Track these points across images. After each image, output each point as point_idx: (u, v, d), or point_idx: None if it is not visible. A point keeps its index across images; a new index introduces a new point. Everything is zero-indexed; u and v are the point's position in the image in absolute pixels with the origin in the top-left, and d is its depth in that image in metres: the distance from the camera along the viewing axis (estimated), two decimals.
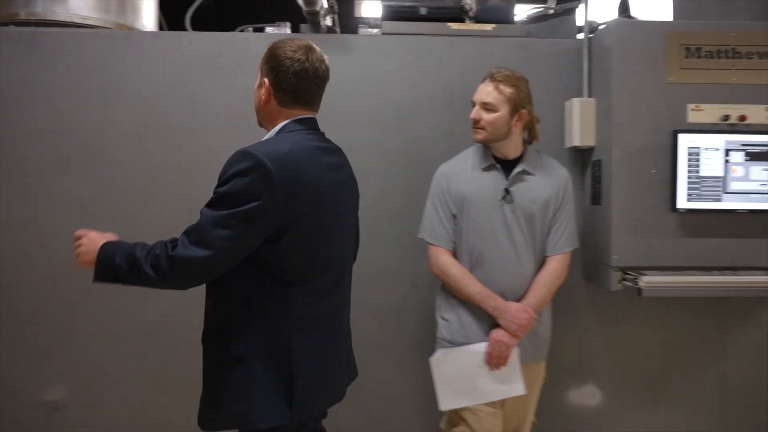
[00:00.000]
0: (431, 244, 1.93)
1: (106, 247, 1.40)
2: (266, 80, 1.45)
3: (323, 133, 1.53)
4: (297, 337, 1.35)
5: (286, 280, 1.34)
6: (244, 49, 2.24)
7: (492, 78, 1.85)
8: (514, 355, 1.83)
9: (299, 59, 1.41)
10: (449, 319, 1.92)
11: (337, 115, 2.24)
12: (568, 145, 2.26)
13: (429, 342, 2.19)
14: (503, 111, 1.83)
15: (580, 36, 2.34)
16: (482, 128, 1.85)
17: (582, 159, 2.31)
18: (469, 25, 2.39)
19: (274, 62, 1.43)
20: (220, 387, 1.34)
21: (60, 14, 2.35)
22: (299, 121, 1.45)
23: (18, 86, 2.20)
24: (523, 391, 1.84)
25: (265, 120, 1.52)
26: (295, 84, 1.41)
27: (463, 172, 1.91)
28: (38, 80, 2.21)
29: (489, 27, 2.37)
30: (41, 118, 2.21)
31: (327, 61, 1.49)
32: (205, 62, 2.24)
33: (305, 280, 1.37)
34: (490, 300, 1.83)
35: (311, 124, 1.48)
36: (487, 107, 1.84)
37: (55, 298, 2.22)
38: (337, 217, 1.45)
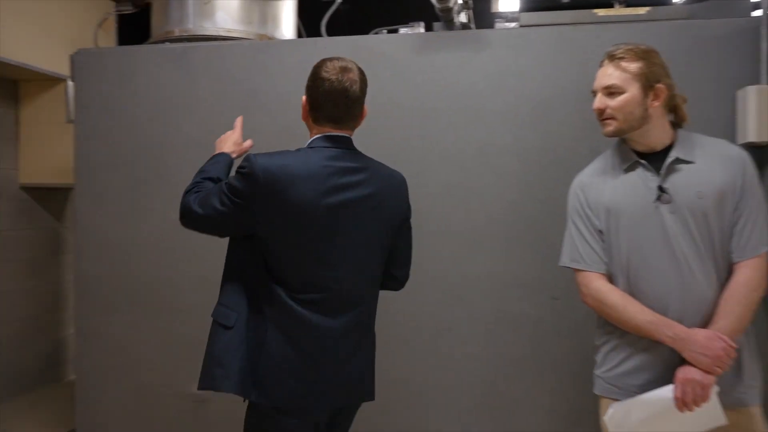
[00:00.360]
0: (579, 270, 1.57)
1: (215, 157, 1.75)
2: (304, 97, 1.57)
3: (355, 151, 1.55)
4: (272, 326, 1.46)
5: (273, 276, 1.47)
6: (377, 52, 2.22)
7: (611, 57, 1.53)
8: (713, 395, 1.41)
9: (330, 79, 1.49)
10: (613, 359, 1.54)
11: (469, 114, 2.13)
12: (741, 141, 1.95)
13: (569, 361, 2.02)
14: (632, 90, 1.48)
15: (757, 13, 2.01)
16: (610, 117, 1.52)
17: (760, 157, 1.98)
18: (618, 10, 2.16)
19: (310, 81, 1.54)
20: (211, 352, 1.52)
21: (208, 29, 2.50)
22: (328, 138, 1.52)
23: (171, 100, 2.37)
24: (724, 421, 1.43)
25: (309, 133, 1.59)
26: (324, 103, 1.50)
27: (601, 180, 1.57)
28: (187, 93, 2.36)
29: (642, 10, 2.12)
30: (190, 129, 2.36)
31: (360, 82, 1.54)
32: None
33: (288, 282, 1.46)
34: (667, 328, 1.42)
35: (340, 142, 1.52)
36: (611, 91, 1.51)
37: (204, 295, 2.35)
38: (332, 239, 1.47)
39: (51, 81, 3.53)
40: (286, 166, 1.45)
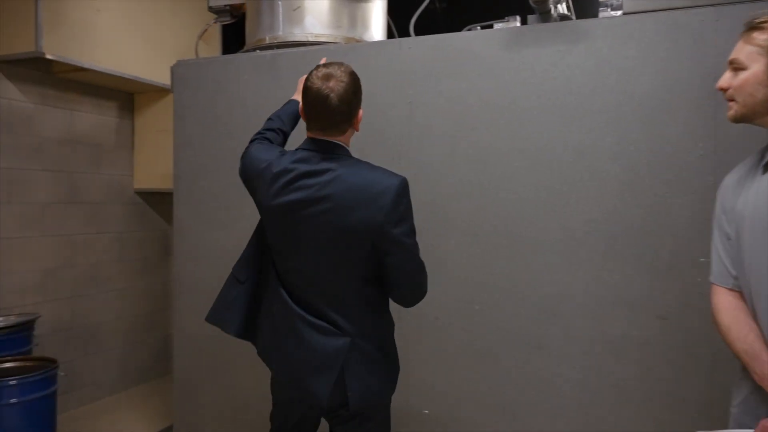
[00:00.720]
0: (712, 283, 1.35)
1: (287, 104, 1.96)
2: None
3: (331, 156, 1.54)
4: (267, 292, 1.65)
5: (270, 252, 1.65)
6: (466, 50, 2.10)
7: (746, 26, 1.27)
8: None
9: (312, 88, 1.50)
10: (738, 388, 1.33)
11: (565, 114, 1.95)
12: None
13: (680, 388, 1.79)
14: (756, 67, 1.22)
15: None
16: (731, 99, 1.28)
17: None
18: None
19: (302, 87, 1.57)
20: (225, 299, 1.73)
21: (297, 34, 2.50)
22: (310, 141, 1.57)
23: (262, 106, 2.40)
24: None
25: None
26: (309, 111, 1.54)
27: (740, 180, 1.31)
28: (276, 99, 2.37)
29: None
30: None
31: (344, 90, 1.50)
32: (424, 67, 2.15)
33: (276, 262, 1.62)
34: (758, 364, 1.21)
35: (317, 145, 1.55)
36: (735, 66, 1.27)
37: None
38: (289, 235, 1.55)
39: (161, 92, 3.74)
40: (258, 162, 1.64)
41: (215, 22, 3.00)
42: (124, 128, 3.83)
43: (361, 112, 1.61)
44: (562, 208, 1.96)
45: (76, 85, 3.45)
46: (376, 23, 2.67)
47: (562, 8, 2.22)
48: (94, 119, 3.61)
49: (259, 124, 2.39)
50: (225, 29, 3.93)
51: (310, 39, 2.48)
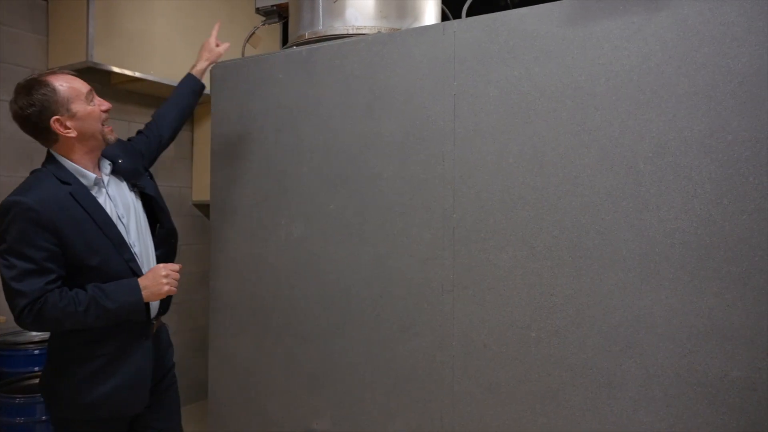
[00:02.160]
0: None
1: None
2: None
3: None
4: None
5: None
6: (519, 29, 1.78)
7: None
8: None
9: None
10: None
11: (641, 99, 1.59)
12: None
13: None
14: None
15: None
16: None
17: None
18: None
19: None
20: None
21: (338, 28, 2.28)
22: None
23: (296, 106, 2.20)
24: None
25: None
26: None
27: None
28: (311, 97, 2.17)
29: None
30: (313, 135, 2.15)
31: (14, 102, 1.69)
32: (471, 52, 1.86)
33: None
34: None
35: None
36: None
37: (324, 322, 2.12)
38: None
39: None
40: None
41: (264, 24, 2.86)
42: (184, 139, 3.79)
43: (59, 118, 1.67)
44: (640, 215, 1.59)
45: (135, 96, 3.44)
46: (429, 12, 2.40)
47: None
48: None
49: (295, 125, 2.20)
50: (285, 32, 3.80)
51: (351, 32, 2.25)
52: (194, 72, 2.26)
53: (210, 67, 2.33)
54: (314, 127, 2.16)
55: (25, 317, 1.60)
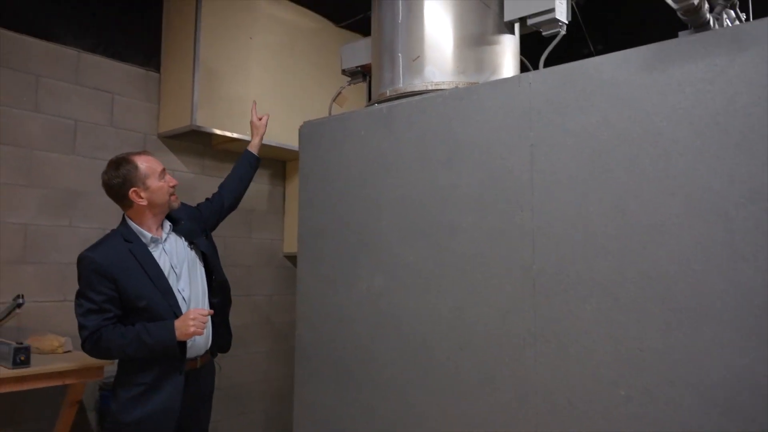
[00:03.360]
0: None
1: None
2: None
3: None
4: None
5: None
6: (595, 77, 1.77)
7: None
8: None
9: None
10: None
11: (730, 142, 1.52)
12: None
13: None
14: None
15: None
16: None
17: None
18: None
19: None
20: None
21: (417, 85, 2.37)
22: None
23: (377, 161, 2.28)
24: None
25: None
26: None
27: None
28: (391, 152, 2.24)
29: None
30: (393, 188, 2.22)
31: (105, 173, 2.25)
32: (548, 102, 1.86)
33: None
34: None
35: None
36: None
37: (401, 376, 2.12)
38: None
39: None
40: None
41: (349, 84, 3.01)
42: (276, 194, 4.00)
43: (136, 189, 2.20)
44: (734, 264, 1.49)
45: (232, 156, 3.70)
46: (507, 65, 2.44)
47: (728, 17, 1.81)
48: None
49: (375, 179, 2.27)
50: (370, 90, 3.98)
51: (430, 88, 2.33)
52: (250, 148, 2.81)
53: (261, 141, 2.85)
54: (393, 181, 2.22)
55: (86, 345, 2.11)
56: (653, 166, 1.64)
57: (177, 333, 2.12)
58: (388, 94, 2.44)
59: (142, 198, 2.20)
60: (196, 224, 2.49)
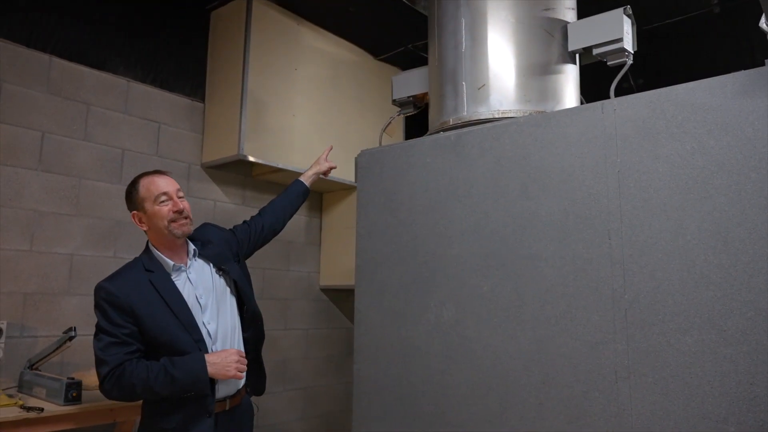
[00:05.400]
0: None
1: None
2: None
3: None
4: None
5: None
6: (686, 104, 1.74)
7: None
8: None
9: None
10: None
11: None
12: None
13: None
14: None
15: None
16: None
17: None
18: None
19: None
20: None
21: (482, 113, 2.35)
22: None
23: (447, 189, 2.24)
24: None
25: None
26: None
27: None
28: (461, 180, 2.20)
29: None
30: (464, 216, 2.17)
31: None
32: (635, 129, 1.83)
33: None
34: None
35: None
36: None
37: (480, 410, 2.02)
38: None
39: (347, 190, 3.83)
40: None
41: (399, 114, 3.00)
42: (313, 226, 3.95)
43: (136, 213, 2.01)
44: None
45: (273, 187, 3.67)
46: (569, 95, 2.43)
47: None
48: None
49: (445, 207, 2.23)
50: (408, 122, 3.99)
51: (497, 116, 2.30)
52: (303, 178, 2.65)
53: (316, 177, 2.70)
54: (464, 209, 2.17)
55: (107, 383, 1.84)
56: (758, 193, 1.59)
57: (211, 369, 1.89)
58: (451, 123, 2.42)
59: (142, 223, 2.01)
60: (227, 248, 2.23)
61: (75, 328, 2.36)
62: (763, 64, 1.67)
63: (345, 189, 3.83)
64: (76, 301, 2.78)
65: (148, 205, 1.98)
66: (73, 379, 2.27)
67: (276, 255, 3.64)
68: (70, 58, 2.88)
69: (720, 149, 1.67)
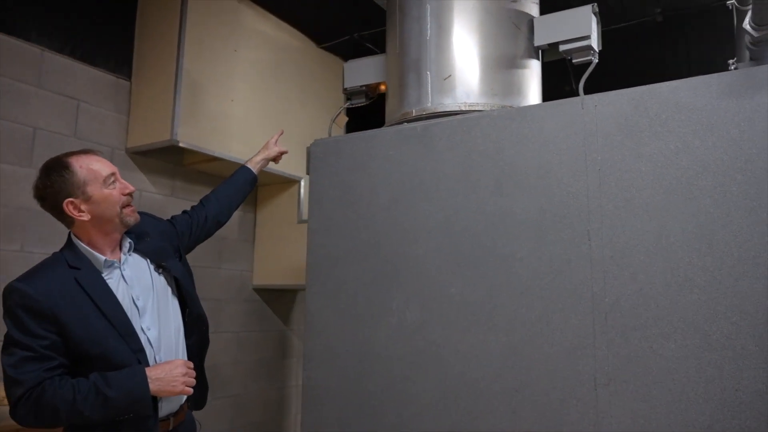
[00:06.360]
0: None
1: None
2: None
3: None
4: None
5: None
6: (670, 102, 1.70)
7: None
8: None
9: None
10: None
11: None
12: None
13: None
14: None
15: None
16: None
17: None
18: None
19: None
20: None
21: (448, 105, 2.22)
22: None
23: (412, 182, 2.09)
24: None
25: None
26: None
27: None
28: (429, 174, 2.06)
29: None
30: (432, 213, 2.03)
31: (34, 186, 1.67)
32: (617, 126, 1.77)
33: None
34: None
35: None
36: None
37: (447, 420, 1.89)
38: None
39: (286, 183, 3.60)
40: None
41: (351, 105, 2.82)
42: (247, 221, 3.69)
43: (72, 201, 1.63)
44: None
45: (204, 177, 3.38)
46: (533, 91, 2.36)
47: None
48: None
49: (410, 201, 2.07)
50: (349, 113, 3.79)
51: (463, 108, 2.19)
52: (250, 164, 2.36)
53: (265, 163, 2.43)
54: (432, 205, 2.04)
55: (21, 407, 1.51)
56: (743, 195, 1.57)
57: (154, 385, 1.58)
58: (414, 114, 2.28)
59: (82, 212, 1.63)
60: (167, 241, 1.93)
61: None
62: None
63: (283, 182, 3.59)
64: None
65: (93, 189, 1.64)
66: None
67: (206, 252, 3.34)
68: None
69: (705, 149, 1.63)
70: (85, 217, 1.63)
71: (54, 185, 1.62)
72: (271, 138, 2.45)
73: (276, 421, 3.69)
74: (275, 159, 2.43)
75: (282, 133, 2.49)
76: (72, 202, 1.62)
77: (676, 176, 1.66)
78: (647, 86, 1.76)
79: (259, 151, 2.41)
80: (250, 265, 3.68)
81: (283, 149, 2.44)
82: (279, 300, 3.81)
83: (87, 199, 1.63)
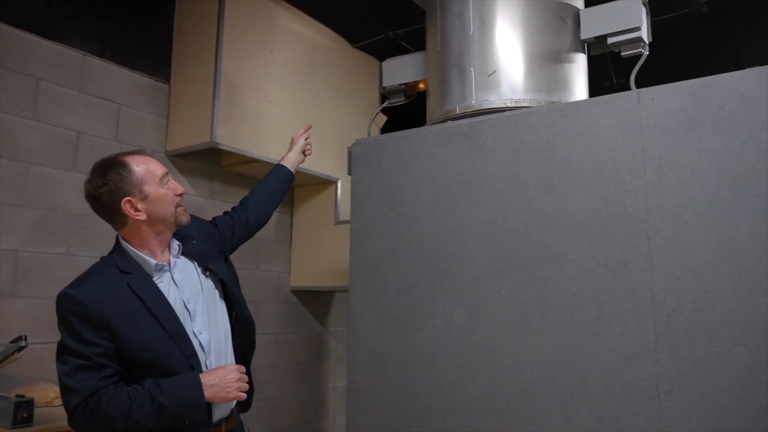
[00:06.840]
0: None
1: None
2: None
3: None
4: None
5: None
6: (734, 93, 1.61)
7: None
8: None
9: None
10: None
11: None
12: None
13: None
14: None
15: None
16: None
17: None
18: None
19: None
20: None
21: (493, 102, 2.16)
22: None
23: (457, 181, 2.04)
24: None
25: None
26: None
27: None
28: (475, 173, 2.01)
29: None
30: (479, 213, 1.97)
31: (89, 183, 1.63)
32: (676, 120, 1.69)
33: None
34: None
35: None
36: None
37: (497, 425, 1.83)
38: None
39: (322, 184, 3.58)
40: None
41: (390, 104, 2.78)
42: (283, 223, 3.68)
43: (130, 199, 1.61)
44: None
45: (242, 179, 3.38)
46: (579, 86, 2.28)
47: None
48: None
49: (456, 201, 2.02)
50: (386, 112, 3.75)
51: (509, 105, 2.13)
52: (285, 162, 2.33)
53: (301, 159, 2.41)
54: (479, 205, 1.98)
55: (78, 416, 1.50)
56: None
57: (208, 392, 1.56)
58: (458, 111, 2.22)
59: (139, 211, 1.61)
60: (211, 243, 1.91)
61: (25, 336, 2.01)
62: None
63: (319, 183, 3.57)
64: (21, 305, 2.41)
65: (150, 188, 1.63)
66: (23, 397, 1.92)
67: (244, 253, 3.34)
68: (16, 25, 2.51)
69: None
70: (142, 216, 1.62)
71: (110, 184, 1.60)
72: (296, 133, 2.42)
73: (313, 424, 3.67)
74: (304, 151, 2.40)
75: (310, 127, 2.45)
76: (129, 201, 1.60)
77: (743, 172, 1.57)
78: (708, 77, 1.67)
79: (290, 148, 2.37)
80: (287, 267, 3.66)
81: (308, 139, 2.42)
82: (316, 301, 3.79)
83: (144, 198, 1.62)
